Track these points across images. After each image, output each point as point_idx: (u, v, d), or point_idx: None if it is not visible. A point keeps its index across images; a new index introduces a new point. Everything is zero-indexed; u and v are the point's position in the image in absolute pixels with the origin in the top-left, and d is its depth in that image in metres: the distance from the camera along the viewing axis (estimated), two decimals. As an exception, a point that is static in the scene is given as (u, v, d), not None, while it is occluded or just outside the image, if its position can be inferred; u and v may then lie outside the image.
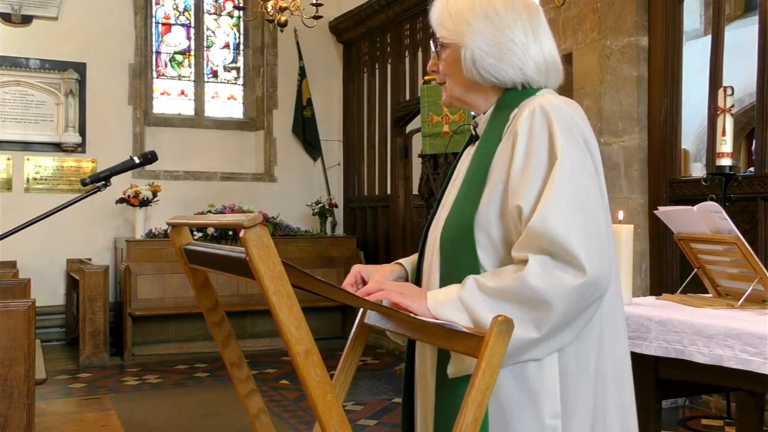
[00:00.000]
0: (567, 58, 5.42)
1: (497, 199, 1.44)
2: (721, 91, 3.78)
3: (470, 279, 1.40)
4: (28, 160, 7.73)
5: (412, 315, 1.40)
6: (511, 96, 1.53)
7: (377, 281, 1.49)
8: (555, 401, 1.41)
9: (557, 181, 1.36)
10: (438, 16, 1.55)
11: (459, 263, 1.45)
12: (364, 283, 1.57)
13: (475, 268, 1.43)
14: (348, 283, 1.58)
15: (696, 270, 2.59)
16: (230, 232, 7.55)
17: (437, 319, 1.38)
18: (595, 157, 1.46)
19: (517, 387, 1.41)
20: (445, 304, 1.39)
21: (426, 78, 6.00)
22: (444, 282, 1.47)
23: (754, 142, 5.01)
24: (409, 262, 1.71)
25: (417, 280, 1.63)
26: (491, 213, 1.44)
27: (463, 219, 1.46)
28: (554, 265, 1.34)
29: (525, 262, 1.36)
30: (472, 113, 1.65)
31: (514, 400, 1.41)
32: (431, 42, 1.60)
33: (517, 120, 1.45)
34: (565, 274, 1.34)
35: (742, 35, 6.36)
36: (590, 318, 1.41)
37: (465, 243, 1.45)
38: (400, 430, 1.68)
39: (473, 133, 1.62)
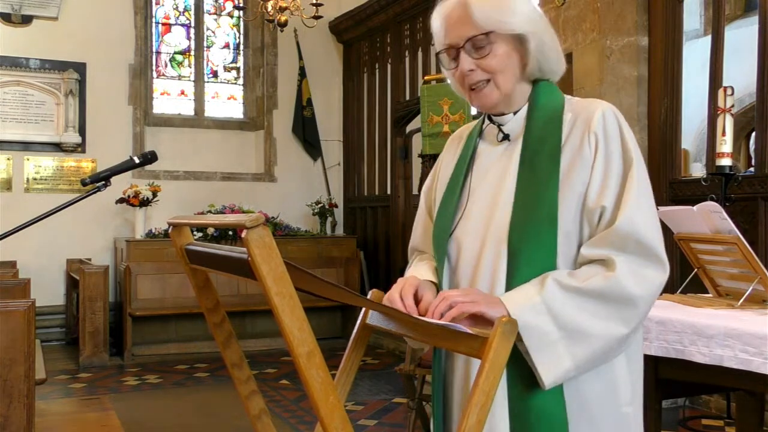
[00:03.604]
0: (567, 58, 5.40)
1: (578, 200, 1.45)
2: (721, 91, 3.78)
3: (549, 280, 1.39)
4: (28, 160, 7.73)
5: (415, 317, 1.39)
6: (545, 96, 1.55)
7: (442, 295, 1.40)
8: (627, 389, 1.47)
9: (637, 183, 1.43)
10: (478, 9, 1.48)
11: (534, 261, 1.43)
12: (416, 300, 1.49)
13: (552, 266, 1.43)
14: (407, 294, 1.47)
15: (696, 270, 2.59)
16: (230, 232, 7.55)
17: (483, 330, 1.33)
18: None
19: (594, 379, 1.44)
20: (527, 308, 1.36)
21: (426, 78, 6.00)
22: (512, 284, 1.44)
23: (753, 141, 5.01)
24: (428, 268, 1.61)
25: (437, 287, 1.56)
26: (571, 213, 1.45)
27: (539, 218, 1.44)
28: (642, 263, 1.40)
29: (604, 260, 1.40)
30: (474, 112, 1.64)
31: (593, 391, 1.44)
32: (467, 42, 1.50)
33: (590, 124, 1.48)
34: (653, 271, 1.40)
35: (742, 35, 6.36)
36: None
37: (545, 241, 1.43)
38: None
39: (499, 133, 1.59)
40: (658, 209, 2.67)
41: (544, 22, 1.55)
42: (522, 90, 1.56)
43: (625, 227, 1.39)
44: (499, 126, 1.59)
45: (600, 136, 1.47)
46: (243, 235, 1.10)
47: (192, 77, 8.83)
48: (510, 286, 1.44)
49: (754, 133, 4.82)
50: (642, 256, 1.39)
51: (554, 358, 1.36)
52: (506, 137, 1.58)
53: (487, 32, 1.49)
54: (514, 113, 1.57)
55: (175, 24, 8.79)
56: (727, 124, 3.69)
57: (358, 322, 1.60)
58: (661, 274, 1.41)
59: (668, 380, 2.39)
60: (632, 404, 1.47)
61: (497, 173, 1.56)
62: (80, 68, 7.85)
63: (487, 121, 1.63)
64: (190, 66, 8.83)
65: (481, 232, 1.51)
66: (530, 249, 1.43)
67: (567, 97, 1.58)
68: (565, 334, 1.36)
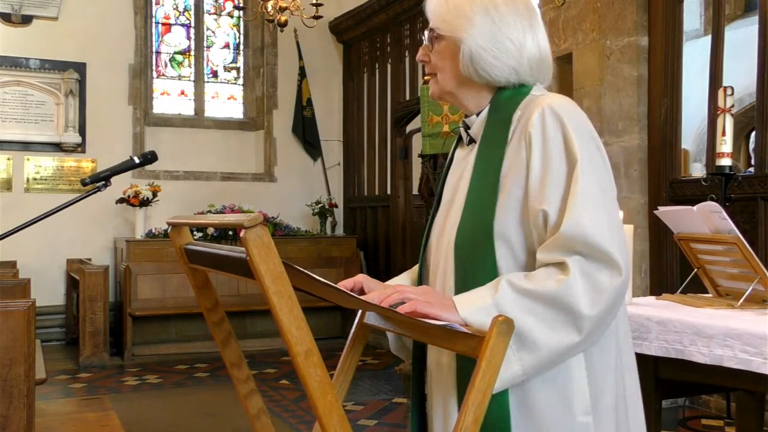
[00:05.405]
0: (567, 58, 5.42)
1: (516, 205, 1.40)
2: (721, 91, 3.78)
3: (503, 281, 1.36)
4: (28, 160, 7.73)
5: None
6: (507, 96, 1.50)
7: (396, 288, 1.41)
8: (585, 398, 1.39)
9: (582, 184, 1.35)
10: (436, 6, 1.51)
11: (477, 270, 1.41)
12: (361, 292, 1.50)
13: (494, 275, 1.40)
14: (345, 287, 1.50)
15: (696, 270, 2.59)
16: (230, 232, 7.55)
17: (471, 326, 1.33)
18: (603, 152, 1.45)
19: (546, 387, 1.38)
20: (479, 310, 1.33)
21: (426, 78, 6.00)
22: (461, 289, 1.42)
23: (753, 141, 5.01)
24: (407, 278, 1.67)
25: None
26: (510, 219, 1.41)
27: (478, 226, 1.42)
28: (595, 267, 1.33)
29: (557, 264, 1.34)
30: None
31: (543, 400, 1.39)
32: (425, 31, 1.54)
33: (527, 123, 1.42)
34: (607, 276, 1.33)
35: (742, 35, 6.36)
36: (616, 313, 1.41)
37: (483, 250, 1.41)
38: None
39: (466, 135, 1.57)
40: (657, 209, 2.70)
41: (498, 29, 1.46)
42: (481, 93, 1.52)
43: (570, 231, 1.33)
44: (467, 128, 1.57)
45: (535, 137, 1.40)
46: (241, 234, 1.10)
47: (192, 77, 8.83)
48: (458, 292, 1.42)
49: (754, 133, 4.81)
50: (594, 260, 1.33)
51: (503, 362, 1.30)
52: (472, 140, 1.55)
53: (432, 28, 1.52)
54: (478, 114, 1.54)
55: (175, 24, 8.79)
56: (727, 124, 3.68)
57: (356, 321, 1.61)
58: (615, 278, 1.33)
59: (668, 380, 2.39)
60: (591, 414, 1.39)
61: (457, 178, 1.56)
62: (80, 68, 7.85)
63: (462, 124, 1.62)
64: (190, 66, 8.83)
65: (438, 239, 1.54)
66: (471, 258, 1.42)
67: (533, 93, 1.50)
68: (515, 338, 1.29)
